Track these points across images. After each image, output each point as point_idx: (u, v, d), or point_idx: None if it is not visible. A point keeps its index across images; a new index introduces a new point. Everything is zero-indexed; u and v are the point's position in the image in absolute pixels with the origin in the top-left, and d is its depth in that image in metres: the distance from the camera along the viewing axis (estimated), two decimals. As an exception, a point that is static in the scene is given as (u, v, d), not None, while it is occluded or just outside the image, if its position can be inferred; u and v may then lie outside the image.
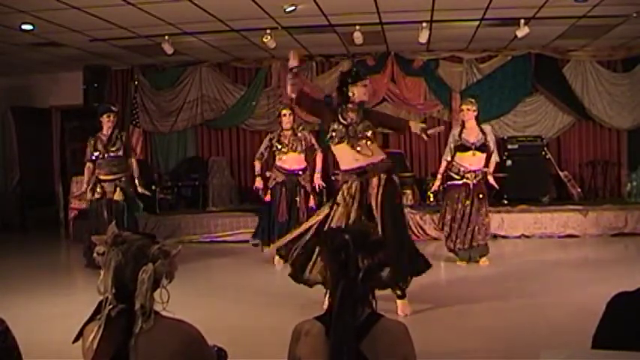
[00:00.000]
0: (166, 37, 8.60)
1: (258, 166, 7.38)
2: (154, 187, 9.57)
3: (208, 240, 9.12)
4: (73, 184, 9.40)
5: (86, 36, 8.41)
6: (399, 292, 4.73)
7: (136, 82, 10.88)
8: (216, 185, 10.37)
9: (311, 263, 4.71)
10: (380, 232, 4.40)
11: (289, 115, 7.19)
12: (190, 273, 6.47)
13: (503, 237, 8.56)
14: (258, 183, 7.38)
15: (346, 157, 4.88)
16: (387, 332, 1.88)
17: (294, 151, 7.12)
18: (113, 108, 7.24)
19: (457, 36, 9.23)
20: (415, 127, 4.97)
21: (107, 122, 7.02)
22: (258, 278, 6.68)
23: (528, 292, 5.49)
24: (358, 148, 4.77)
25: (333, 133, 4.82)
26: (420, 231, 8.64)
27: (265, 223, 7.28)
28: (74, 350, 2.06)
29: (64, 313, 4.72)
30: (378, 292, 2.03)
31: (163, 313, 1.95)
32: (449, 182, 6.79)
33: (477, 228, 6.61)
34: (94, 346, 1.89)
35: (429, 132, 4.93)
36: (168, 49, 8.80)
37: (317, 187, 7.29)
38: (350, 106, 4.82)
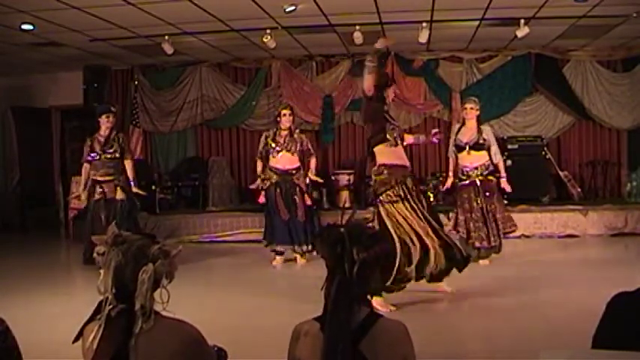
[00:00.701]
0: (166, 37, 8.60)
1: (260, 165, 7.37)
2: (153, 187, 9.58)
3: (208, 240, 9.12)
4: (73, 184, 9.40)
5: (86, 36, 8.41)
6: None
7: (136, 82, 10.88)
8: (216, 185, 10.37)
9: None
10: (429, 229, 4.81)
11: (289, 114, 7.19)
12: (190, 273, 6.46)
13: (503, 237, 8.55)
14: (256, 184, 7.38)
15: (397, 154, 5.15)
16: (387, 332, 1.87)
17: (288, 151, 7.12)
18: (112, 109, 7.25)
19: (457, 36, 9.23)
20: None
21: (106, 123, 7.03)
22: (258, 278, 6.68)
23: (528, 292, 5.48)
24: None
25: (388, 136, 5.07)
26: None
27: (270, 224, 7.25)
28: (74, 350, 2.06)
29: (64, 313, 4.72)
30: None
31: (163, 313, 1.95)
32: (459, 183, 6.82)
33: (491, 226, 6.60)
34: (94, 346, 1.89)
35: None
36: (168, 49, 8.80)
37: (309, 182, 7.32)
38: (386, 107, 5.11)
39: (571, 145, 10.46)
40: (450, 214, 7.24)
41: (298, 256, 7.16)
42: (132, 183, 7.18)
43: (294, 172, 7.16)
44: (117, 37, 8.59)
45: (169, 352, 1.89)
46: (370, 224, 2.21)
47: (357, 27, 8.34)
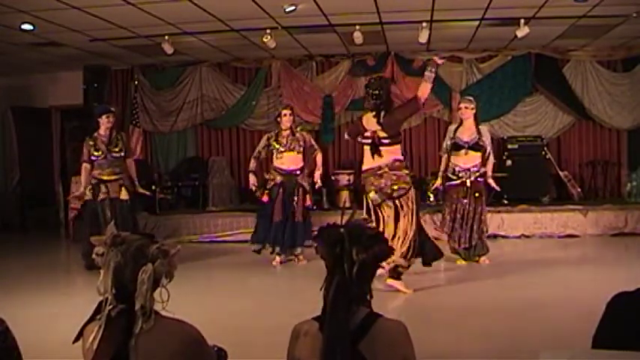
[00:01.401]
0: (166, 37, 8.60)
1: (253, 163, 7.36)
2: (153, 187, 9.57)
3: (208, 240, 9.13)
4: (73, 184, 9.38)
5: (86, 36, 8.41)
6: None
7: (136, 82, 10.88)
8: (216, 185, 10.37)
9: None
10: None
11: (289, 114, 7.19)
12: (190, 273, 6.46)
13: (503, 237, 8.57)
14: (252, 180, 7.37)
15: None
16: (386, 332, 1.87)
17: (292, 150, 7.11)
18: (112, 109, 7.26)
19: (457, 36, 9.24)
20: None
21: (106, 123, 7.03)
22: (257, 278, 6.68)
23: (528, 292, 5.48)
24: None
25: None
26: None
27: (262, 225, 7.24)
28: (74, 350, 2.06)
29: (64, 313, 4.72)
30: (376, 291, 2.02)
31: (163, 313, 1.95)
32: (447, 183, 6.83)
33: (474, 227, 6.63)
34: (94, 346, 1.89)
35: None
36: (168, 49, 8.80)
37: (316, 184, 7.31)
38: None
39: (571, 145, 10.46)
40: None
41: (277, 257, 7.14)
42: (136, 183, 7.20)
43: (298, 172, 7.16)
44: (117, 37, 8.59)
45: (169, 352, 1.89)
46: (370, 224, 2.21)
47: (357, 27, 8.34)
